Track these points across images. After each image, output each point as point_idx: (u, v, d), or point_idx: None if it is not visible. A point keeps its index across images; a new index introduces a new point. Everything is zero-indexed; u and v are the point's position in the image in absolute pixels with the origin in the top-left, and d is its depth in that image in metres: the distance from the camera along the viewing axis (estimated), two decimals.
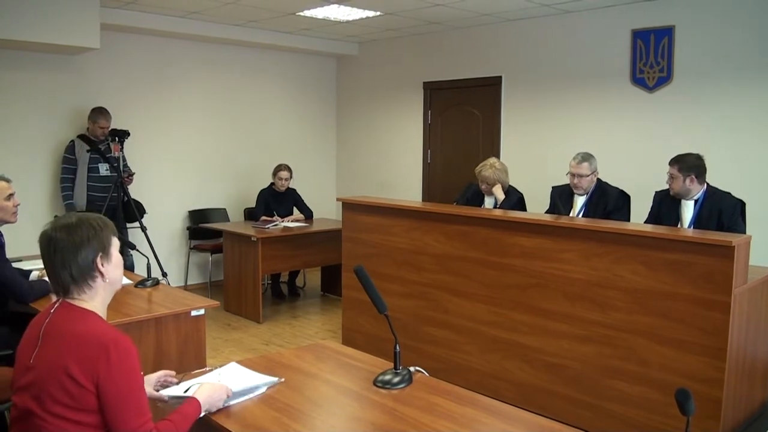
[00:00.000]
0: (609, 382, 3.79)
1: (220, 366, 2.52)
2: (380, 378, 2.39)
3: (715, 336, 3.35)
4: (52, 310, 1.99)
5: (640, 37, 5.90)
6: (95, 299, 2.00)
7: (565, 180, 4.88)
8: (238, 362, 2.58)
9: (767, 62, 5.19)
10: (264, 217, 6.89)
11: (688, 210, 4.34)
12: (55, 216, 2.10)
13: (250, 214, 7.39)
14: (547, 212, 4.96)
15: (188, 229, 7.49)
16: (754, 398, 3.86)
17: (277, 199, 7.11)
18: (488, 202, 5.29)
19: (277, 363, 2.60)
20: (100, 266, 1.98)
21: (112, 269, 2.03)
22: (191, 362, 3.37)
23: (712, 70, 5.49)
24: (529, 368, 4.18)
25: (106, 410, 1.85)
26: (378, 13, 6.52)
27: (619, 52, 6.05)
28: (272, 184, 7.11)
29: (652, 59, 5.83)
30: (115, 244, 2.07)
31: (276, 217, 6.90)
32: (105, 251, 2.00)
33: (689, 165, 4.27)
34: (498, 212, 4.64)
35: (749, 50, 5.28)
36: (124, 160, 6.26)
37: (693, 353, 3.44)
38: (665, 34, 5.73)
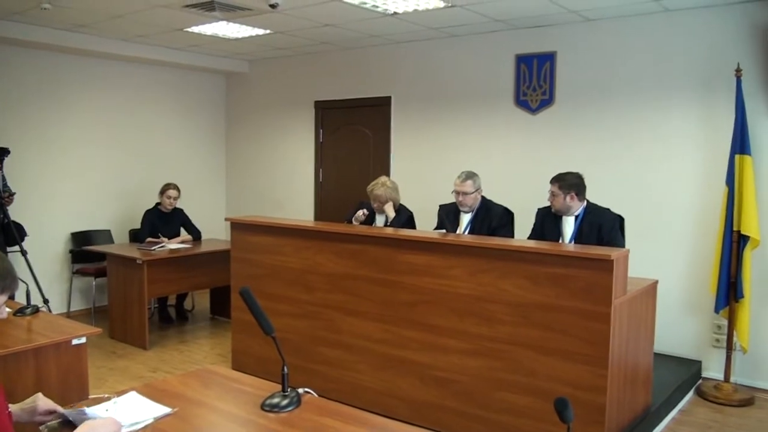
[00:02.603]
0: (498, 394, 3.88)
1: (120, 394, 2.38)
2: (268, 401, 2.33)
3: (597, 345, 3.50)
4: None
5: (523, 61, 6.14)
6: None
7: (453, 198, 4.98)
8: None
9: (640, 87, 5.52)
10: (150, 239, 6.65)
11: (569, 226, 4.51)
12: None
13: (136, 236, 7.11)
14: (435, 230, 5.04)
15: (71, 252, 7.12)
16: (637, 403, 4.05)
17: (164, 220, 6.88)
18: (379, 220, 5.32)
19: (161, 391, 2.49)
20: None
21: None
22: (73, 394, 3.19)
23: (591, 94, 5.78)
24: (420, 384, 4.21)
25: None
26: (268, 32, 6.47)
27: (503, 76, 6.27)
28: (158, 204, 6.88)
29: (534, 83, 6.08)
30: None
31: (162, 239, 6.67)
32: None
33: (569, 183, 4.44)
34: (388, 230, 4.68)
35: (625, 76, 5.60)
36: (4, 179, 5.89)
37: (577, 362, 3.57)
38: (547, 59, 5.99)
